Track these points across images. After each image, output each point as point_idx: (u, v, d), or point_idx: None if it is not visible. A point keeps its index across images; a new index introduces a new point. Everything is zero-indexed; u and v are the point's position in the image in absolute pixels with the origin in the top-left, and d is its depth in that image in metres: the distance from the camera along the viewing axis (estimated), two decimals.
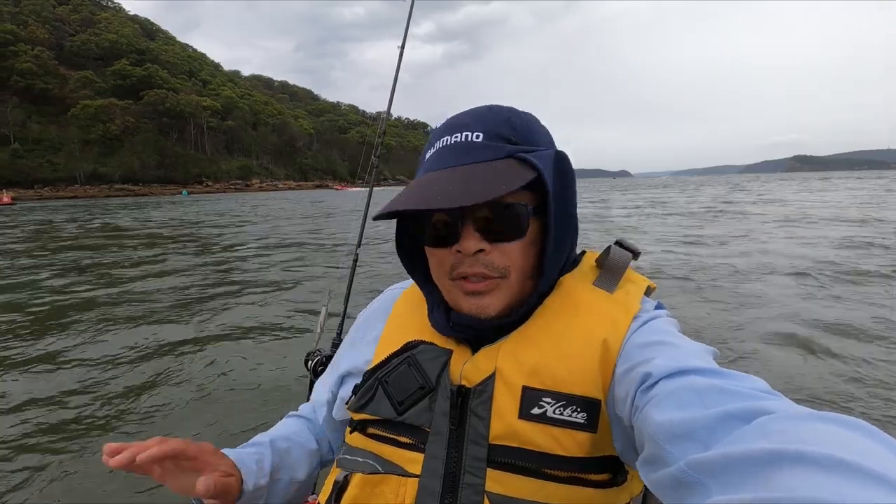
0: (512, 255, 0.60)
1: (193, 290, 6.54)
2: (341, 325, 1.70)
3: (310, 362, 1.35)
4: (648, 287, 0.67)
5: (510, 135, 0.61)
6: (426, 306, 0.70)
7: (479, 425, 0.58)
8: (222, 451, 0.66)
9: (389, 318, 0.74)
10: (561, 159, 0.61)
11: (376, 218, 0.66)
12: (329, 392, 0.78)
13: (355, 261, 1.94)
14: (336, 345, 1.52)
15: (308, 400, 0.86)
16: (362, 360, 0.72)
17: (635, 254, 0.67)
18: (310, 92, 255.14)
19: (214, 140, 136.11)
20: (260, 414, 3.01)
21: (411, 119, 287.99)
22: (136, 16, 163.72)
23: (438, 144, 0.63)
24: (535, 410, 0.56)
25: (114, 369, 3.78)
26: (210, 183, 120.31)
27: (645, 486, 0.62)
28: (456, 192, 0.55)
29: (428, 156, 0.64)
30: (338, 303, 1.79)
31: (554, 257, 0.62)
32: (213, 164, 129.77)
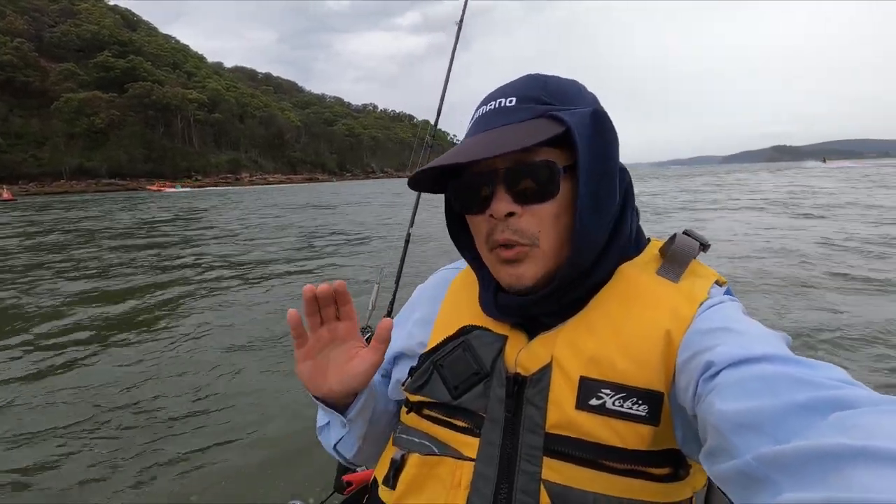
0: (544, 218, 0.58)
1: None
2: (392, 302, 1.75)
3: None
4: (717, 281, 0.62)
5: (544, 97, 0.60)
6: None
7: (536, 414, 0.58)
8: None
9: (444, 301, 0.74)
10: (598, 116, 0.58)
11: (411, 185, 0.66)
12: (382, 369, 0.78)
13: (408, 240, 2.00)
14: None
15: None
16: (415, 341, 0.72)
17: (704, 245, 0.63)
18: (294, 84, 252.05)
19: (202, 133, 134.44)
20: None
21: (397, 111, 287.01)
22: (116, 6, 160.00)
23: (476, 115, 0.64)
24: (594, 401, 0.55)
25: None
26: (199, 177, 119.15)
27: (708, 481, 0.62)
28: (477, 149, 0.56)
29: (468, 128, 0.65)
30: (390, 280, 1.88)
31: (591, 219, 0.57)
32: (201, 158, 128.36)
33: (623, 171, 0.63)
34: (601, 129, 0.58)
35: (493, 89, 0.64)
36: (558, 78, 0.63)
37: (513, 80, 0.64)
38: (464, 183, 0.62)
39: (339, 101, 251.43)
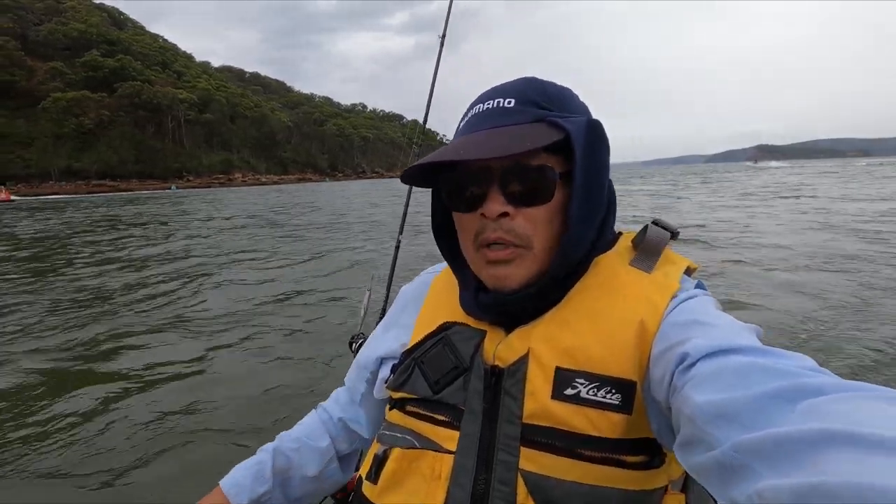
0: (537, 222, 0.59)
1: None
2: (384, 309, 1.75)
3: (354, 345, 1.37)
4: (689, 267, 0.64)
5: (542, 101, 0.60)
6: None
7: (513, 405, 0.58)
8: (220, 482, 0.76)
9: (426, 301, 0.75)
10: (594, 127, 0.59)
11: (404, 179, 0.67)
12: (369, 373, 0.80)
13: (398, 247, 2.03)
14: None
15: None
16: (398, 343, 0.74)
17: (674, 234, 0.65)
18: (283, 84, 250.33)
19: (193, 134, 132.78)
20: (306, 397, 3.05)
21: (387, 111, 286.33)
22: (102, 4, 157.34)
23: (471, 113, 0.64)
24: (569, 391, 0.56)
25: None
26: (191, 178, 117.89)
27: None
28: (479, 148, 0.56)
29: (461, 125, 0.65)
30: (381, 287, 1.86)
31: (581, 227, 0.59)
32: (193, 159, 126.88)
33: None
34: (596, 139, 0.59)
35: (485, 89, 0.64)
36: (555, 84, 0.64)
37: (509, 80, 0.64)
38: (456, 179, 0.62)
39: (328, 101, 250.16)
